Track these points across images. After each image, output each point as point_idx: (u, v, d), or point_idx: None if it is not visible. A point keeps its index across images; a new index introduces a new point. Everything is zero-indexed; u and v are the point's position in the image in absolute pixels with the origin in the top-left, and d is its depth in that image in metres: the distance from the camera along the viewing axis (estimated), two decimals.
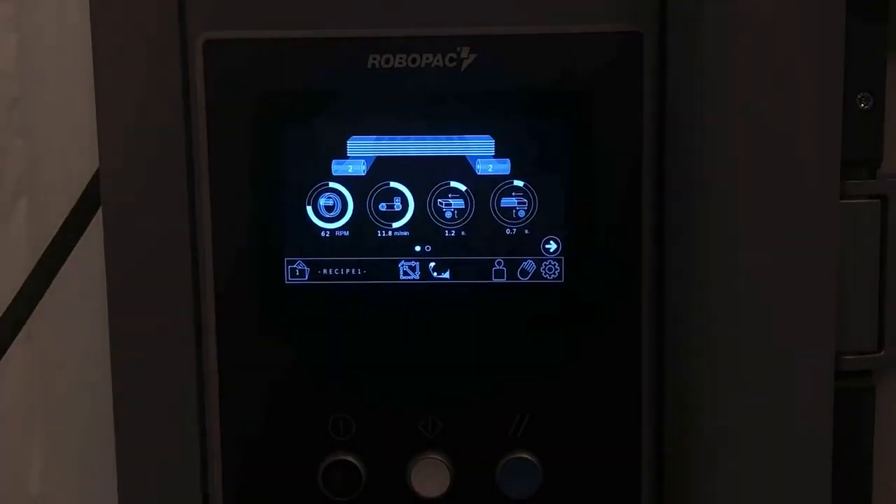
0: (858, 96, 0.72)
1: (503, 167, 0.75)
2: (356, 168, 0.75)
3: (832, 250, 0.69)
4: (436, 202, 0.75)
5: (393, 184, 0.75)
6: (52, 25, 1.13)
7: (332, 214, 0.76)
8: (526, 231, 0.75)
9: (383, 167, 0.75)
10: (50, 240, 0.87)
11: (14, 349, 0.86)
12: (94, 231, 0.83)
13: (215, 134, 0.75)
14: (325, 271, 0.76)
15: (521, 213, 0.75)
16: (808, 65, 0.67)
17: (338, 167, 0.75)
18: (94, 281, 1.06)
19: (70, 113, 1.14)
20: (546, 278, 0.75)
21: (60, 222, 0.86)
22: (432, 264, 0.76)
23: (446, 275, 0.76)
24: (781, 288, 0.69)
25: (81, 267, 0.90)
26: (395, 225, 0.76)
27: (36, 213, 1.16)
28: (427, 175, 0.75)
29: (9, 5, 1.13)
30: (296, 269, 0.76)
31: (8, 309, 0.85)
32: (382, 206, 0.75)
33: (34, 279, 0.85)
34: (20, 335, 0.85)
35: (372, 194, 0.75)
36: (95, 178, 0.82)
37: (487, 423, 0.77)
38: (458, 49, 0.74)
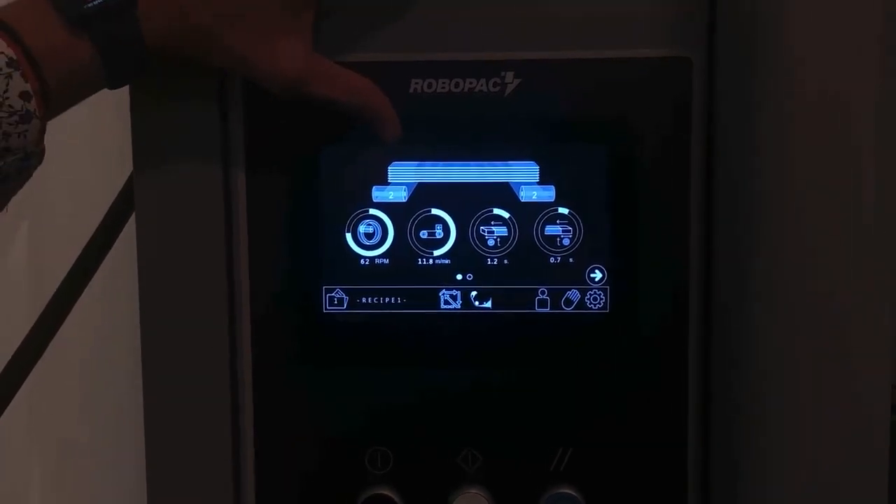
0: None
1: (547, 194, 0.73)
2: (397, 194, 0.74)
3: (889, 282, 0.68)
4: (478, 229, 0.74)
5: (434, 211, 0.74)
6: None
7: (372, 242, 0.74)
8: (570, 259, 0.74)
9: (425, 194, 0.74)
10: (50, 261, 0.84)
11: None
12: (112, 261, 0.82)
13: (254, 159, 0.73)
14: (364, 300, 0.74)
15: (566, 242, 0.73)
16: (866, 92, 0.66)
17: (378, 193, 0.74)
18: (115, 313, 1.04)
19: (72, 137, 1.12)
20: (591, 308, 0.74)
21: (61, 246, 0.84)
22: (474, 293, 0.74)
23: (488, 304, 0.74)
24: (836, 319, 0.67)
25: (102, 297, 0.88)
26: (437, 253, 0.74)
27: (37, 236, 1.14)
28: (469, 202, 0.74)
29: None
30: (334, 297, 0.74)
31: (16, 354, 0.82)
32: (423, 234, 0.74)
33: (49, 313, 0.82)
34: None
35: (413, 221, 0.74)
36: (109, 216, 0.80)
37: (529, 457, 0.75)
38: (503, 74, 0.72)
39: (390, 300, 0.74)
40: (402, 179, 0.74)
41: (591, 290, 0.74)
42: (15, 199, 1.12)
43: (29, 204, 1.14)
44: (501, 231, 0.74)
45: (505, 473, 0.75)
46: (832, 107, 0.66)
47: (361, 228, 0.74)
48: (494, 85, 0.72)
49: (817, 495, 0.69)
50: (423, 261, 0.74)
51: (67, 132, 1.11)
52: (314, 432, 0.75)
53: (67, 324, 0.82)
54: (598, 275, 0.74)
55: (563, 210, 0.73)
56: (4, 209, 0.67)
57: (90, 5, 0.63)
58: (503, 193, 0.73)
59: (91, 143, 1.11)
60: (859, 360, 0.68)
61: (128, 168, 0.74)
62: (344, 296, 0.74)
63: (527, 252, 0.74)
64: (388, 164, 0.73)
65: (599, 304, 0.74)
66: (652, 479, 0.75)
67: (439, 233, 0.74)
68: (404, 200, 0.74)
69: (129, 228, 0.77)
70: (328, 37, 0.71)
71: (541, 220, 0.73)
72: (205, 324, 0.73)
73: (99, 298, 1.00)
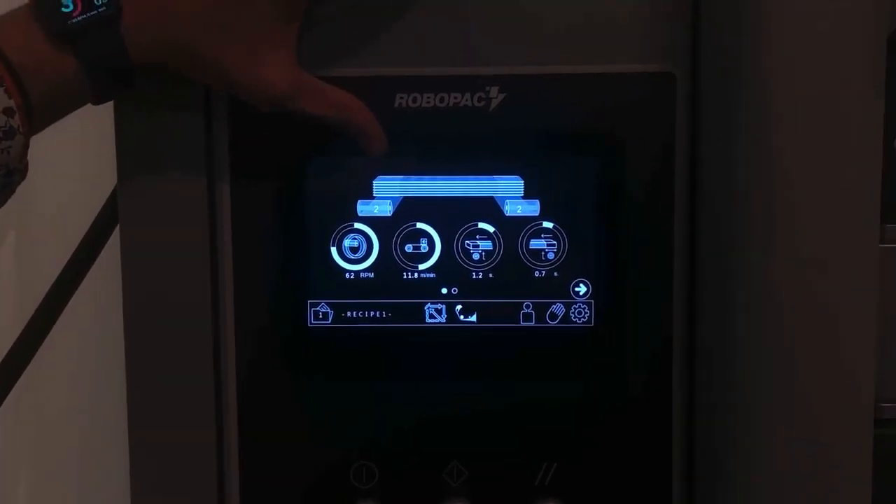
0: None
1: (532, 208, 0.73)
2: (382, 209, 0.74)
3: (871, 295, 0.68)
4: (463, 244, 0.74)
5: (419, 225, 0.74)
6: None
7: (357, 256, 0.74)
8: (555, 273, 0.74)
9: (410, 208, 0.74)
10: (37, 270, 0.84)
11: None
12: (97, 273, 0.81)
13: (239, 171, 0.73)
14: (349, 314, 0.74)
15: (551, 256, 0.74)
16: (849, 109, 0.66)
17: (363, 208, 0.74)
18: (104, 322, 1.04)
19: (60, 145, 1.12)
20: (575, 322, 0.74)
21: (48, 255, 0.83)
22: (459, 307, 0.74)
23: (473, 318, 0.74)
24: (821, 331, 0.68)
25: (90, 306, 0.87)
26: (422, 267, 0.74)
27: (23, 246, 1.14)
28: (454, 216, 0.74)
29: None
30: (319, 311, 0.74)
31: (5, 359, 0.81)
32: (409, 248, 0.74)
33: (36, 322, 0.82)
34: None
35: (398, 235, 0.74)
36: (95, 225, 0.80)
37: (514, 471, 0.75)
38: (487, 88, 0.72)
39: (375, 314, 0.74)
40: (387, 193, 0.74)
41: (576, 303, 0.74)
42: (2, 209, 1.12)
43: (16, 213, 1.14)
44: (486, 245, 0.74)
45: (490, 487, 0.75)
46: (816, 121, 0.66)
47: (346, 242, 0.74)
48: (479, 100, 0.72)
49: None
50: (408, 275, 0.74)
51: (56, 141, 1.12)
52: (299, 447, 0.75)
53: (55, 332, 0.82)
54: (582, 289, 0.74)
55: (547, 224, 0.73)
56: None
57: (74, 20, 0.63)
58: (488, 208, 0.74)
59: (79, 152, 1.11)
60: (843, 373, 0.68)
61: (116, 177, 0.74)
62: (329, 310, 0.74)
63: (512, 266, 0.74)
64: (374, 178, 0.73)
65: (584, 317, 0.74)
66: (637, 493, 0.75)
67: (424, 247, 0.74)
68: (389, 214, 0.74)
69: (117, 237, 0.77)
70: (313, 51, 0.71)
71: (525, 234, 0.73)
72: (189, 336, 0.73)
73: (87, 307, 1.00)
